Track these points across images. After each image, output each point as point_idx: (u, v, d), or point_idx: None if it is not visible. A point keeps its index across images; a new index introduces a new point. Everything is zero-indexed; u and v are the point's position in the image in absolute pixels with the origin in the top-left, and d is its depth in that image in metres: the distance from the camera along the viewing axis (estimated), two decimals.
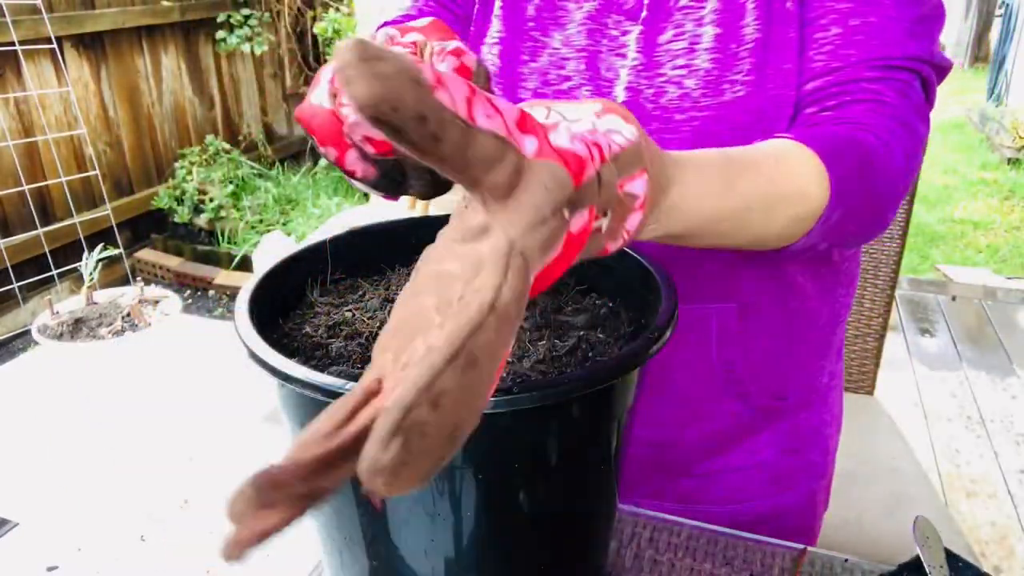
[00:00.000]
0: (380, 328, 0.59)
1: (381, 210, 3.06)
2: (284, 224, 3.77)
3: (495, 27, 0.81)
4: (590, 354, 0.55)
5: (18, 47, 2.85)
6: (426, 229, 0.72)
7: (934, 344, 3.03)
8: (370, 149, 0.46)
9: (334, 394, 0.45)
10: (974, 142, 6.08)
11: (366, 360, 0.56)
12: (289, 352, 0.58)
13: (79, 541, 0.78)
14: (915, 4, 0.69)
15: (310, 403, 0.50)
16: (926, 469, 1.51)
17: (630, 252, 0.63)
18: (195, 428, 0.97)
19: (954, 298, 3.40)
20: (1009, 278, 3.72)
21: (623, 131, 0.38)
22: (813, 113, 0.68)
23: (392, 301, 0.64)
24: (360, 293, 0.67)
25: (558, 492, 0.53)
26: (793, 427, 0.88)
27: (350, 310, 0.62)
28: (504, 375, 0.51)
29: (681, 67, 0.72)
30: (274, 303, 0.63)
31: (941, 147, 5.91)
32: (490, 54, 0.81)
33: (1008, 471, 2.29)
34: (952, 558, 0.67)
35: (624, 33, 0.76)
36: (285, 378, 0.47)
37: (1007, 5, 7.21)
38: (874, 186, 0.63)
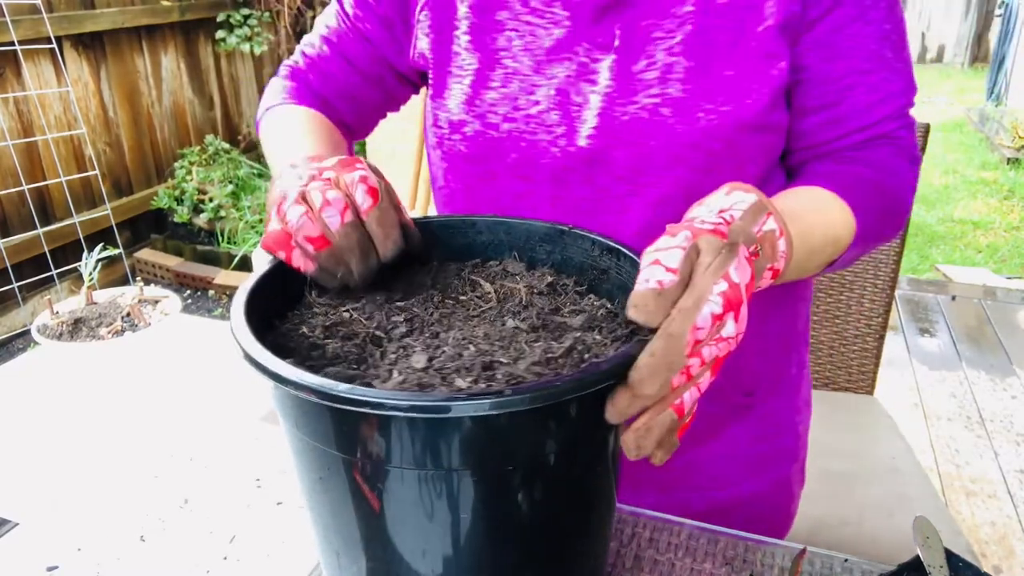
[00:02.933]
0: (377, 329, 0.59)
1: None
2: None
3: (465, 59, 0.82)
4: (586, 356, 0.55)
5: (18, 47, 2.85)
6: (424, 231, 0.72)
7: (934, 344, 3.03)
8: (309, 247, 0.58)
9: (327, 396, 0.45)
10: (974, 142, 6.08)
11: (362, 361, 0.56)
12: (285, 352, 0.58)
13: (79, 541, 0.78)
14: (904, 45, 0.79)
15: (304, 404, 0.50)
16: (926, 469, 1.51)
17: (627, 253, 0.63)
18: (195, 428, 0.97)
19: (954, 298, 3.41)
20: (1009, 278, 3.72)
21: (745, 198, 0.57)
22: (842, 150, 0.78)
23: (394, 302, 0.64)
24: (359, 294, 0.67)
25: (555, 493, 0.53)
26: (764, 416, 0.91)
27: (348, 311, 0.62)
28: (499, 376, 0.51)
29: (655, 95, 0.75)
30: (273, 303, 0.63)
31: (941, 147, 5.91)
32: (459, 85, 0.82)
33: (1008, 471, 2.29)
34: (952, 558, 0.67)
35: (595, 60, 0.77)
36: (278, 379, 0.47)
37: (1007, 5, 7.21)
38: (890, 225, 0.77)
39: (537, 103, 0.79)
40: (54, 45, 3.05)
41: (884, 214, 0.76)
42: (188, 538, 0.78)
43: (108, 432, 0.96)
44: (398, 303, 0.64)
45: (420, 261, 0.72)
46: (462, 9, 0.82)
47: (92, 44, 3.44)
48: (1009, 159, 5.41)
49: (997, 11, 8.08)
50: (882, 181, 0.76)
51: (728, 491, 0.92)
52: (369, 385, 0.52)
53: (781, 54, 0.75)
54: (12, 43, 2.85)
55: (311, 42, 0.93)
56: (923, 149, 1.41)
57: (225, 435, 0.96)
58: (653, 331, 0.49)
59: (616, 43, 0.76)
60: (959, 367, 2.86)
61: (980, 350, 2.97)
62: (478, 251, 0.73)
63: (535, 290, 0.65)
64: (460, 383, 0.51)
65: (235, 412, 1.01)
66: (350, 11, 0.89)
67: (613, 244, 0.65)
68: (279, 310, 0.64)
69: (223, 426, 0.98)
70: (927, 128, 1.41)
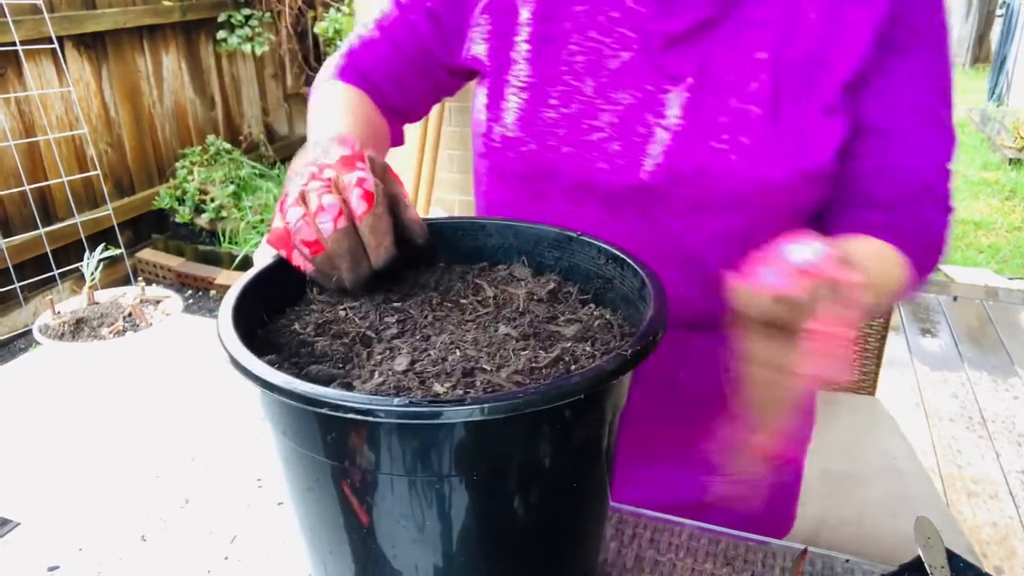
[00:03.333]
0: (369, 329, 0.59)
1: None
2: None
3: (523, 70, 0.80)
4: (572, 367, 0.54)
5: (19, 47, 2.85)
6: (433, 232, 0.72)
7: (936, 344, 3.03)
8: (305, 250, 0.58)
9: (312, 401, 0.45)
10: (975, 142, 6.07)
11: (347, 360, 0.56)
12: (273, 349, 0.58)
13: (80, 541, 0.78)
14: (951, 99, 0.79)
15: (290, 410, 0.50)
16: (927, 470, 1.51)
17: (631, 263, 0.62)
18: (196, 428, 0.97)
19: (956, 298, 3.40)
20: (1011, 278, 3.72)
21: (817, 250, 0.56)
22: (887, 202, 0.79)
23: (391, 302, 0.64)
24: (360, 293, 0.67)
25: (542, 498, 0.52)
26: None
27: (344, 309, 0.62)
28: (477, 384, 0.51)
29: (725, 141, 0.73)
30: (275, 298, 0.63)
31: None
32: (516, 98, 0.80)
33: (1009, 472, 2.29)
34: (953, 559, 0.67)
35: (663, 91, 0.75)
36: (265, 385, 0.47)
37: (1008, 5, 7.20)
38: (930, 272, 0.80)
39: (599, 129, 0.76)
40: (56, 45, 3.05)
41: (924, 267, 0.78)
42: (189, 538, 0.78)
43: (109, 432, 0.96)
44: (395, 303, 0.64)
45: (427, 262, 0.72)
46: (524, 14, 0.80)
47: (94, 44, 3.45)
48: (1011, 159, 5.40)
49: (998, 11, 8.07)
50: (923, 234, 0.78)
51: (735, 482, 0.91)
52: (350, 386, 0.52)
53: (846, 108, 0.75)
54: (14, 43, 2.86)
55: (366, 23, 0.92)
56: None
57: (226, 435, 0.96)
58: None
59: (689, 80, 0.74)
60: (961, 367, 2.86)
61: (982, 350, 2.97)
62: (487, 254, 0.72)
63: (535, 297, 0.65)
64: (438, 388, 0.51)
65: (236, 412, 1.01)
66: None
67: (618, 253, 0.64)
68: (280, 306, 0.64)
69: (224, 426, 0.98)
70: None
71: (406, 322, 0.61)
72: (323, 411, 0.45)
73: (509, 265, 0.71)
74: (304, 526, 0.57)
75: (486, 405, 0.43)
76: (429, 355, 0.55)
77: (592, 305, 0.65)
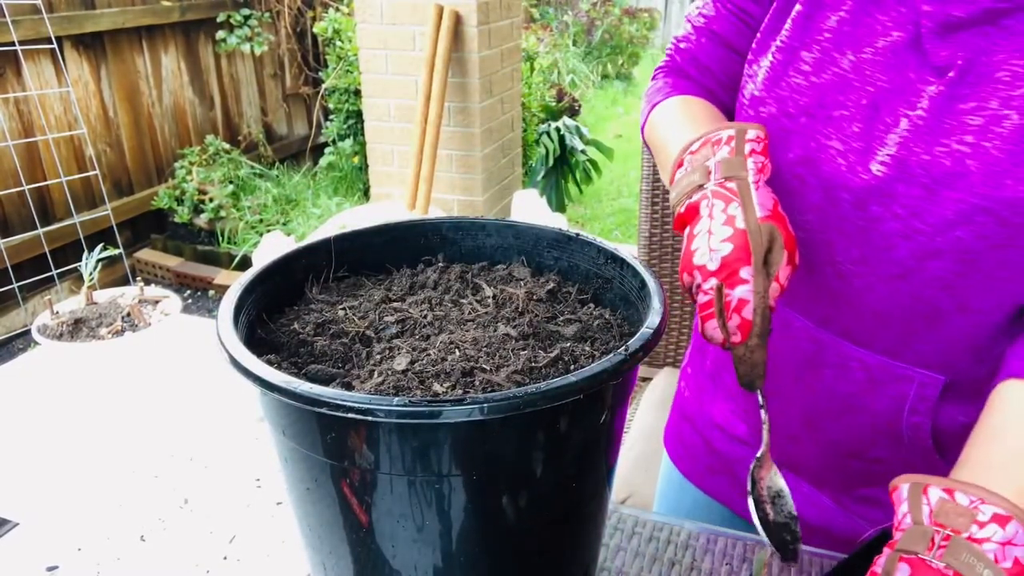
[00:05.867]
0: (368, 328, 0.59)
1: (380, 211, 3.06)
2: (284, 224, 3.77)
3: (787, 29, 0.75)
4: (571, 367, 0.54)
5: (18, 47, 2.85)
6: (430, 230, 0.72)
7: None
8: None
9: (311, 401, 0.45)
10: None
11: (347, 360, 0.56)
12: (274, 349, 0.58)
13: (79, 541, 0.78)
14: None
15: (289, 409, 0.50)
16: None
17: (630, 263, 0.62)
18: (195, 428, 0.97)
19: None
20: None
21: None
22: None
23: (391, 301, 0.64)
24: (360, 292, 0.67)
25: (542, 498, 0.53)
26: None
27: (344, 309, 0.62)
28: (476, 383, 0.51)
29: (968, 144, 0.65)
30: (273, 299, 0.63)
31: None
32: (770, 56, 0.76)
33: None
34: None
35: (924, 82, 0.67)
36: (264, 384, 0.47)
37: None
38: None
39: (844, 106, 0.70)
40: (54, 45, 3.05)
41: None
42: (188, 538, 0.78)
43: (108, 432, 0.96)
44: (395, 303, 0.64)
45: (426, 262, 0.72)
46: None
47: (92, 44, 3.45)
48: None
49: None
50: None
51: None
52: (349, 385, 0.52)
53: None
54: (12, 43, 2.86)
55: (685, 36, 0.88)
56: None
57: (225, 435, 0.96)
58: None
59: (951, 73, 0.66)
60: None
61: None
62: (487, 254, 0.73)
63: (534, 296, 0.65)
64: (437, 388, 0.51)
65: (235, 412, 1.01)
66: None
67: (617, 253, 0.64)
68: (280, 305, 0.64)
69: (223, 426, 0.98)
70: None
71: (405, 321, 0.61)
72: (322, 411, 0.45)
73: (509, 265, 0.71)
74: (303, 526, 0.57)
75: (485, 405, 0.43)
76: (429, 355, 0.55)
77: (591, 305, 0.65)
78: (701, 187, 0.64)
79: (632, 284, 0.62)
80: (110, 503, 0.84)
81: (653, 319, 0.54)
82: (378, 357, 0.56)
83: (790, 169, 0.74)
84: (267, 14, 4.33)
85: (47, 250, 2.97)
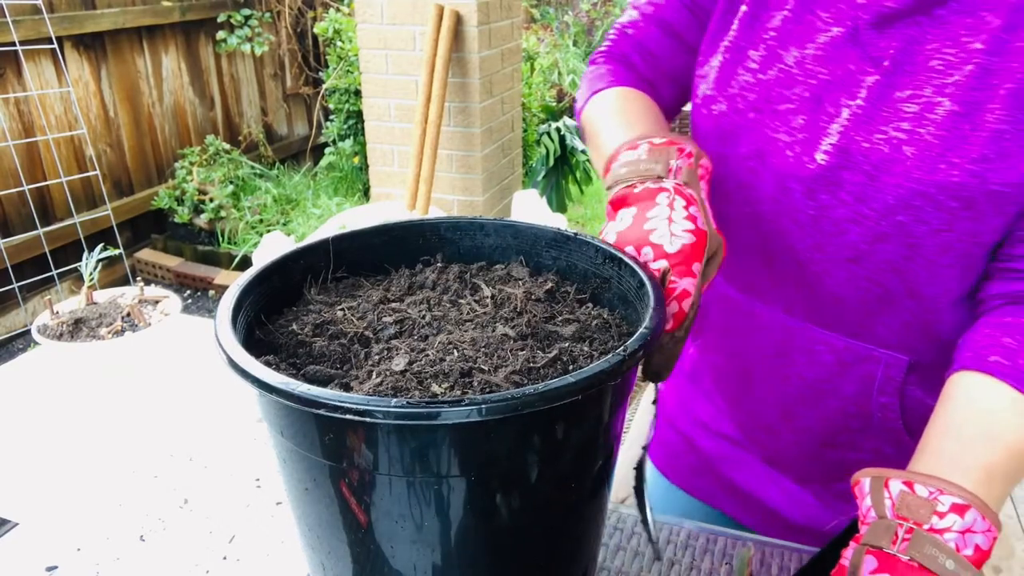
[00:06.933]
0: (367, 329, 0.59)
1: (380, 211, 3.06)
2: (284, 224, 3.78)
3: (734, 29, 0.78)
4: (570, 367, 0.54)
5: (19, 47, 2.85)
6: (428, 230, 0.72)
7: None
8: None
9: (309, 402, 0.45)
10: None
11: (345, 360, 0.56)
12: (272, 350, 0.58)
13: (79, 541, 0.78)
14: None
15: (287, 410, 0.49)
16: None
17: (628, 263, 0.62)
18: (195, 428, 0.97)
19: None
20: None
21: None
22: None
23: (390, 302, 0.64)
24: (358, 293, 0.67)
25: (541, 498, 0.53)
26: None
27: (342, 309, 0.62)
28: (475, 384, 0.51)
29: (904, 131, 0.67)
30: (271, 300, 0.63)
31: None
32: (720, 56, 0.78)
33: None
34: None
35: (863, 73, 0.70)
36: (263, 386, 0.47)
37: None
38: None
39: (789, 100, 0.73)
40: (55, 45, 3.05)
41: None
42: (188, 538, 0.78)
43: (108, 432, 0.97)
44: (393, 304, 0.64)
45: (425, 262, 0.72)
46: None
47: (93, 44, 3.45)
48: None
49: None
50: None
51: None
52: (348, 386, 0.52)
53: None
54: (13, 43, 2.86)
55: (631, 22, 0.88)
56: None
57: (225, 435, 0.96)
58: None
59: (886, 63, 0.68)
60: None
61: None
62: (485, 253, 0.72)
63: (533, 296, 0.65)
64: (436, 389, 0.51)
65: (235, 412, 1.01)
66: None
67: (615, 253, 0.64)
68: (279, 306, 0.64)
69: (223, 426, 0.98)
70: None
71: (404, 322, 0.61)
72: (320, 412, 0.45)
73: (507, 264, 0.71)
74: (302, 526, 0.57)
75: (483, 406, 0.43)
76: (427, 355, 0.55)
77: (590, 305, 0.65)
78: (660, 179, 0.66)
79: (630, 284, 0.62)
80: (110, 503, 0.84)
81: (651, 319, 0.54)
82: (376, 358, 0.56)
83: (743, 163, 0.77)
84: (267, 14, 4.34)
85: (47, 250, 2.97)
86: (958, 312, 0.72)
